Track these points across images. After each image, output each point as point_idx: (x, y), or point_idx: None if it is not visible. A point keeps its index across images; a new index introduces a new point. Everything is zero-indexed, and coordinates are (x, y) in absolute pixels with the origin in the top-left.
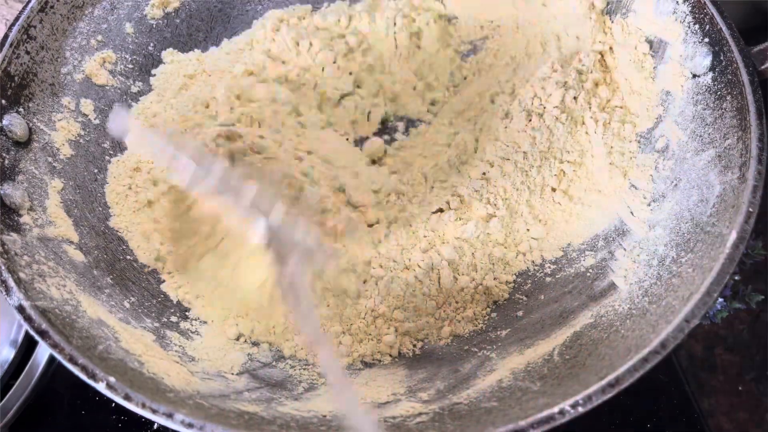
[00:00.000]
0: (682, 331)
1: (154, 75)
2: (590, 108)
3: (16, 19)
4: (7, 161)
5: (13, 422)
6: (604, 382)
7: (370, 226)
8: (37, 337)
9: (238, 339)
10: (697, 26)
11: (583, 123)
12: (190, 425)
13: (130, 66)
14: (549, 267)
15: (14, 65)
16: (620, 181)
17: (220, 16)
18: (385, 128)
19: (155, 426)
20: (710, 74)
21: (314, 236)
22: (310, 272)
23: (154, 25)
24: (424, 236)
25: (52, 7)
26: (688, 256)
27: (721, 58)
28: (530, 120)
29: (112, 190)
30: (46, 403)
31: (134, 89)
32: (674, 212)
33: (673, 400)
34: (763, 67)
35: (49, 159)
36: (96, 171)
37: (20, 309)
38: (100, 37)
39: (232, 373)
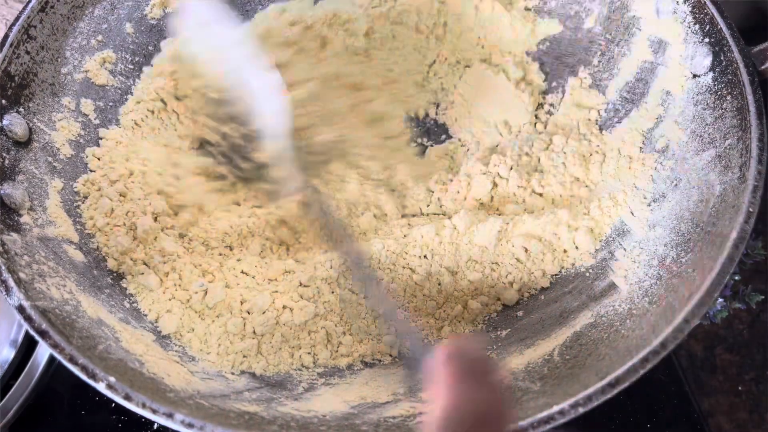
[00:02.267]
0: (682, 331)
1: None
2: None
3: (16, 19)
4: (7, 161)
5: (13, 422)
6: (604, 382)
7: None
8: (37, 337)
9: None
10: (697, 26)
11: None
12: (190, 425)
13: (131, 66)
14: None
15: (14, 65)
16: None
17: None
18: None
19: (155, 426)
20: (710, 74)
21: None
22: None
23: (155, 25)
24: (424, 239)
25: (52, 7)
26: (688, 256)
27: (722, 58)
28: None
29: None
30: (46, 403)
31: (135, 89)
32: (674, 212)
33: (673, 400)
34: (763, 67)
35: (49, 159)
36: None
37: (20, 309)
38: (100, 37)
39: (232, 373)
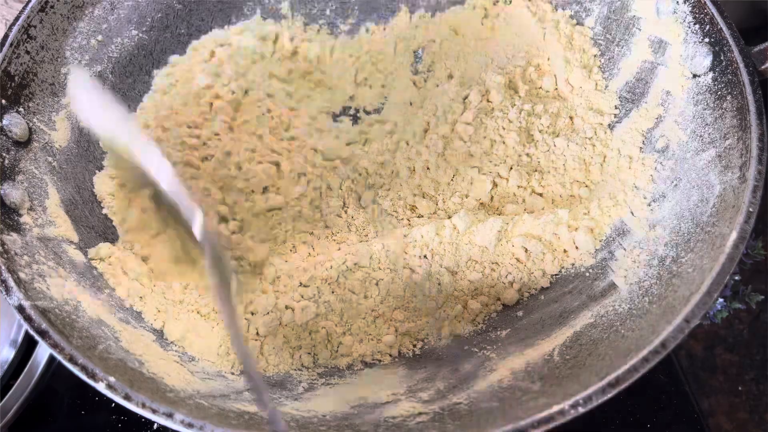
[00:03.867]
0: (682, 331)
1: (155, 75)
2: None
3: (16, 19)
4: (7, 161)
5: (13, 422)
6: (604, 382)
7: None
8: (37, 337)
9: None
10: (697, 26)
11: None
12: (190, 425)
13: (131, 66)
14: None
15: (14, 65)
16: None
17: (219, 15)
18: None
19: (155, 426)
20: (710, 74)
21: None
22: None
23: (155, 25)
24: (424, 239)
25: (52, 6)
26: (689, 256)
27: (722, 58)
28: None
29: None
30: (46, 403)
31: (135, 89)
32: (674, 212)
33: (673, 400)
34: (763, 67)
35: (49, 159)
36: (96, 171)
37: (20, 309)
38: (100, 37)
39: (232, 373)
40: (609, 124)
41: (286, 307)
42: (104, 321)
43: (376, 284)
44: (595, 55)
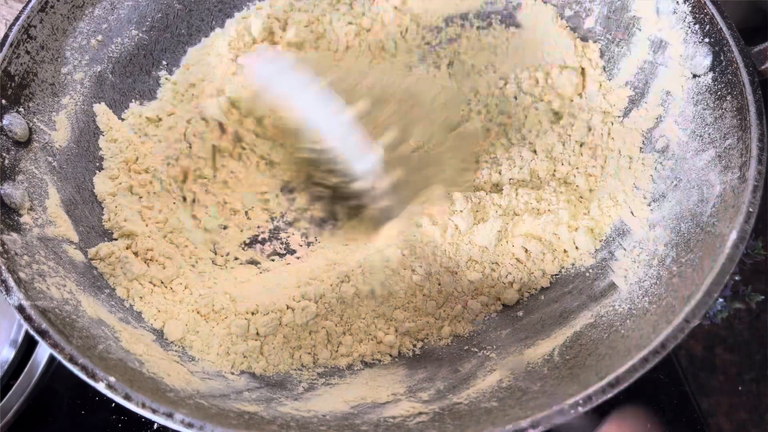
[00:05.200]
0: (682, 331)
1: (154, 75)
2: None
3: (16, 19)
4: (7, 161)
5: (13, 422)
6: (604, 382)
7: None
8: (37, 337)
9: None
10: (697, 26)
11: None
12: (190, 425)
13: (131, 66)
14: None
15: (14, 65)
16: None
17: (220, 15)
18: None
19: (155, 426)
20: (710, 74)
21: None
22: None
23: (155, 25)
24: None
25: (52, 6)
26: (688, 256)
27: (721, 58)
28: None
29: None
30: (46, 403)
31: (135, 89)
32: (674, 212)
33: (673, 400)
34: (763, 67)
35: (49, 159)
36: (96, 171)
37: (20, 309)
38: (100, 37)
39: (232, 373)
40: (618, 117)
41: (287, 307)
42: (104, 321)
43: (377, 285)
44: (602, 52)
